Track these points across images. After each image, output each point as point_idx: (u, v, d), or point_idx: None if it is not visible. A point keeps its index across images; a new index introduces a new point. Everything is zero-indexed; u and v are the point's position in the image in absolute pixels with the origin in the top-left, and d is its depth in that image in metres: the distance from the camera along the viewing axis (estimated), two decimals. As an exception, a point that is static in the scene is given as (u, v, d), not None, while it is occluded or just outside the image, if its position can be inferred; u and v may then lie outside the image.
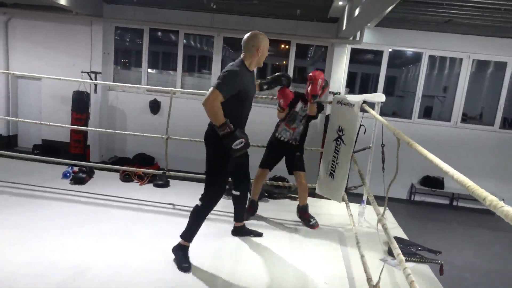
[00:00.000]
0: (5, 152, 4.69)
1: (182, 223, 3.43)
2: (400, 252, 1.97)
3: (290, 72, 8.46)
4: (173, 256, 2.78)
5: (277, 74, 3.43)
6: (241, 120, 2.74)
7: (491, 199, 1.12)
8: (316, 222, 3.57)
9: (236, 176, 3.07)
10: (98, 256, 2.76)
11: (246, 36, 2.72)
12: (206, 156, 2.77)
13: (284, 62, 8.88)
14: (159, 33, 9.08)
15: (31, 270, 2.50)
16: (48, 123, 4.84)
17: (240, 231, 3.27)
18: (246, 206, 3.39)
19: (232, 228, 3.30)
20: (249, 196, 3.55)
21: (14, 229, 3.05)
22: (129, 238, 3.07)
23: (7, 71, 7.90)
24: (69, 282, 2.40)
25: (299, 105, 3.56)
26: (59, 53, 8.58)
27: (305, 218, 3.59)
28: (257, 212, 3.69)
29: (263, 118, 5.32)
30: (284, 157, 3.66)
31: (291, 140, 3.56)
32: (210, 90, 2.49)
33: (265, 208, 3.94)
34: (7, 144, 8.63)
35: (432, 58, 8.23)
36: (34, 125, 8.47)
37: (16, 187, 3.95)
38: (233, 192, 3.17)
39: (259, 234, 3.30)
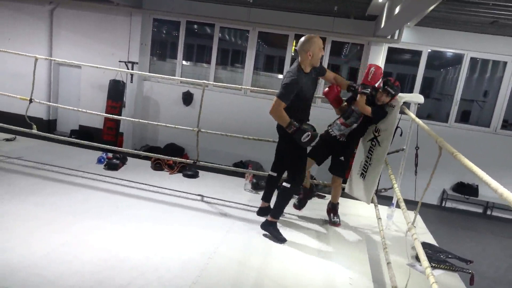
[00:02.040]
0: (48, 135, 4.92)
1: (209, 214, 3.52)
2: (428, 265, 1.92)
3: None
4: (196, 244, 2.83)
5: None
6: (303, 115, 3.08)
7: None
8: (339, 221, 3.58)
9: (279, 159, 3.33)
10: (128, 241, 2.86)
11: (300, 41, 2.99)
12: (279, 145, 3.28)
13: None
14: (195, 26, 9.19)
15: (67, 250, 2.63)
16: (83, 110, 5.03)
17: (265, 211, 3.39)
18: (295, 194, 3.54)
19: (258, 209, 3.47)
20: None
21: (52, 211, 3.20)
22: (158, 225, 3.15)
23: (50, 58, 8.24)
24: (101, 264, 2.50)
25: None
26: (99, 43, 8.87)
27: (329, 214, 3.63)
28: (286, 210, 3.68)
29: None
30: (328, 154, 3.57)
31: (338, 136, 3.44)
32: (275, 100, 2.91)
33: (292, 204, 3.93)
34: (47, 128, 9.02)
35: (473, 61, 7.89)
36: (72, 110, 8.81)
37: (54, 170, 4.13)
38: (270, 172, 3.38)
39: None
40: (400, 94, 3.39)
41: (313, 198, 4.09)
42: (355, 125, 3.43)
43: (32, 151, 4.62)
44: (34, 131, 4.62)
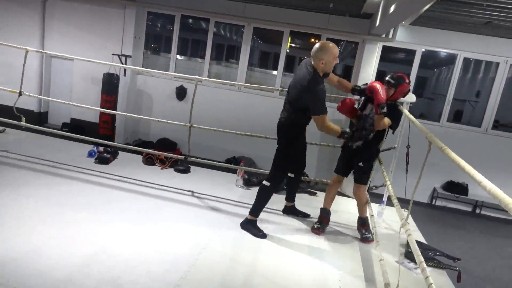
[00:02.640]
0: (38, 127, 4.86)
1: (200, 210, 3.51)
2: (423, 260, 1.93)
3: (318, 67, 8.35)
4: (187, 240, 2.83)
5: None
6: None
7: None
8: (371, 237, 3.29)
9: (297, 165, 3.42)
10: (118, 235, 2.85)
11: (315, 46, 2.98)
12: (278, 145, 3.24)
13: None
14: (190, 20, 9.13)
15: (56, 243, 2.61)
16: (76, 104, 4.96)
17: (289, 210, 3.60)
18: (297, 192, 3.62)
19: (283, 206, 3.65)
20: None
21: (41, 204, 3.17)
22: (149, 220, 3.14)
23: (41, 51, 8.14)
24: (90, 258, 2.49)
25: (369, 107, 3.28)
26: (92, 35, 8.76)
27: (360, 230, 3.40)
28: (277, 206, 3.68)
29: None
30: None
31: (355, 146, 3.31)
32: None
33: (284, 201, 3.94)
34: (38, 120, 8.92)
35: (466, 61, 7.94)
36: (64, 103, 8.73)
37: (44, 163, 4.09)
38: (289, 174, 3.43)
39: (307, 215, 3.58)
40: None
41: (303, 193, 4.09)
42: (371, 134, 3.26)
43: (21, 144, 4.57)
44: (23, 123, 4.56)
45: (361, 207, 3.39)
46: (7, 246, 2.48)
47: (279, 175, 3.21)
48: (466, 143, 7.59)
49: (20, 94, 4.51)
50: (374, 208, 3.75)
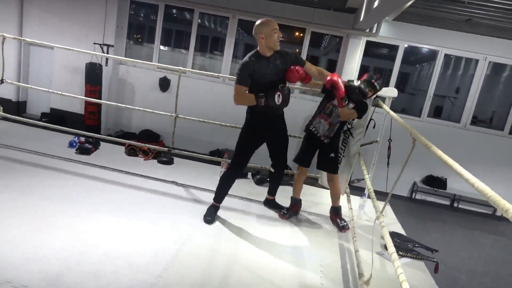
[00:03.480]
0: (17, 117, 4.73)
1: (183, 201, 3.50)
2: (394, 250, 1.98)
3: (303, 60, 8.37)
4: (169, 231, 2.84)
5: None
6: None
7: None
8: (347, 225, 3.36)
9: (273, 156, 3.34)
10: (99, 227, 2.81)
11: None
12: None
13: (297, 50, 8.78)
14: (174, 11, 9.00)
15: (34, 235, 2.56)
16: (61, 93, 4.84)
17: (269, 203, 3.56)
18: (279, 187, 3.53)
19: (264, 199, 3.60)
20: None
21: (19, 194, 3.10)
22: (131, 211, 3.11)
23: (19, 38, 7.89)
24: (70, 249, 2.45)
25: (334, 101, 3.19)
26: (73, 23, 8.54)
27: (335, 220, 3.43)
28: (259, 198, 3.71)
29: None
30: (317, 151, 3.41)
31: (322, 137, 3.26)
32: (235, 87, 2.91)
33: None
34: (16, 110, 8.68)
35: (447, 57, 8.10)
36: (43, 93, 8.52)
37: (23, 152, 3.99)
38: (270, 168, 3.41)
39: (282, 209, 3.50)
40: None
41: (286, 186, 4.09)
42: (338, 125, 3.25)
43: (-2, 133, 4.44)
44: (1, 113, 4.43)
45: (337, 196, 3.43)
46: (-17, 237, 2.42)
47: (235, 160, 3.19)
48: (446, 138, 7.76)
49: (1, 81, 4.37)
50: (355, 201, 3.81)
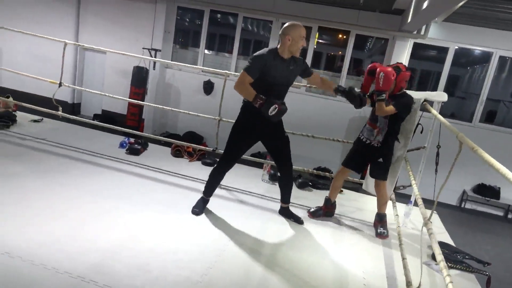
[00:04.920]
0: (74, 117, 5.06)
1: (226, 202, 3.57)
2: (443, 259, 1.90)
3: (347, 64, 8.26)
4: (213, 231, 2.92)
5: (355, 90, 3.12)
6: None
7: None
8: (385, 233, 3.30)
9: (276, 159, 3.25)
10: (147, 224, 2.94)
11: (283, 26, 2.92)
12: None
13: (340, 52, 8.68)
14: (218, 15, 9.20)
15: (88, 229, 2.73)
16: (109, 95, 5.13)
17: (283, 212, 3.43)
18: (291, 192, 3.40)
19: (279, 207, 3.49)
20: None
21: (75, 191, 3.31)
22: (177, 210, 3.22)
23: (78, 43, 8.42)
24: (121, 244, 2.59)
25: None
26: (124, 29, 8.99)
27: (376, 225, 3.40)
28: (300, 202, 3.71)
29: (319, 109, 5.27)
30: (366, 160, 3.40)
31: (372, 142, 3.26)
32: (240, 73, 2.82)
33: (309, 197, 3.95)
34: (71, 111, 9.25)
35: (502, 59, 7.65)
36: (96, 95, 9.02)
37: (78, 152, 4.26)
38: (278, 174, 3.33)
39: (299, 221, 3.35)
40: (419, 92, 3.34)
41: (327, 190, 4.04)
42: (386, 128, 3.21)
43: (57, 133, 4.77)
44: (60, 113, 4.76)
45: (382, 203, 3.37)
46: (44, 230, 2.61)
47: (226, 155, 3.13)
48: (499, 145, 7.33)
49: (60, 85, 4.70)
50: (401, 208, 3.71)
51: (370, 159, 3.34)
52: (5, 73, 9.64)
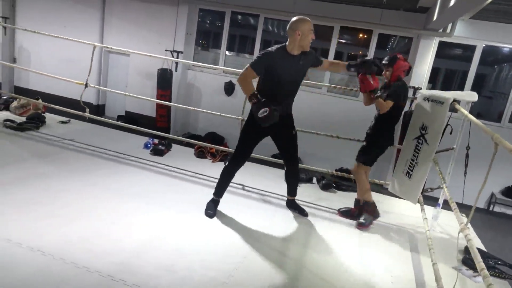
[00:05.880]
0: (101, 119, 5.17)
1: (250, 203, 3.57)
2: (484, 267, 1.83)
3: (369, 63, 8.13)
4: (238, 232, 2.92)
5: (368, 58, 3.17)
6: (277, 100, 2.89)
7: None
8: (366, 222, 3.32)
9: (283, 154, 3.33)
10: (172, 224, 2.97)
11: (290, 21, 2.88)
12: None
13: (360, 52, 8.55)
14: (239, 17, 9.23)
15: (116, 228, 2.78)
16: (134, 95, 5.22)
17: (290, 204, 3.51)
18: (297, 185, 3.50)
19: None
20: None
21: (104, 191, 3.38)
22: (201, 211, 3.23)
23: (106, 46, 8.61)
24: (147, 244, 2.62)
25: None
26: (147, 31, 9.13)
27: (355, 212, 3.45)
28: (324, 203, 3.67)
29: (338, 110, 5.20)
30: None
31: (368, 129, 3.43)
32: (245, 67, 2.84)
33: (333, 199, 3.92)
34: (96, 112, 9.46)
35: (533, 57, 7.37)
36: (120, 97, 9.21)
37: (105, 152, 4.35)
38: (284, 169, 3.38)
39: (303, 214, 3.41)
40: (449, 92, 3.27)
41: (351, 192, 3.99)
42: (376, 113, 3.34)
43: (84, 134, 4.88)
44: (87, 114, 4.87)
45: (363, 190, 3.38)
46: (74, 229, 2.66)
47: (237, 154, 3.14)
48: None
49: (86, 86, 4.81)
50: (429, 211, 3.62)
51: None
52: (34, 76, 9.95)
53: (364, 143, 3.41)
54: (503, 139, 1.95)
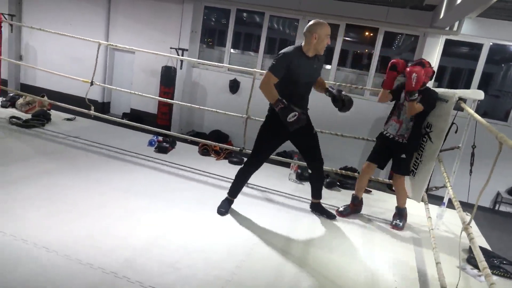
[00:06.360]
0: (105, 116, 5.19)
1: (254, 201, 3.57)
2: (486, 266, 1.82)
3: (375, 61, 8.10)
4: (242, 230, 2.92)
5: (342, 95, 3.06)
6: (294, 100, 2.87)
7: None
8: (401, 225, 3.39)
9: (306, 156, 3.28)
10: (177, 222, 2.98)
11: (308, 23, 2.91)
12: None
13: (366, 50, 8.51)
14: (244, 14, 9.21)
15: (122, 225, 2.79)
16: (139, 93, 5.24)
17: (315, 207, 3.44)
18: (322, 188, 3.46)
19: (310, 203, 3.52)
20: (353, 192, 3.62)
21: (109, 188, 3.39)
22: (205, 209, 3.24)
23: (111, 44, 8.63)
24: (152, 242, 2.63)
25: (403, 95, 3.25)
26: (152, 29, 9.15)
27: (395, 217, 3.46)
28: (329, 202, 3.66)
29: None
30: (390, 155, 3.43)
31: (396, 137, 3.30)
32: (265, 73, 2.80)
33: (337, 197, 3.91)
34: (101, 110, 9.50)
35: (541, 56, 7.29)
36: (125, 94, 9.24)
37: (109, 149, 4.37)
38: (308, 171, 3.35)
39: (331, 217, 3.38)
40: (454, 90, 3.24)
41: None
42: (410, 124, 3.24)
43: (89, 131, 4.91)
44: (92, 112, 4.89)
45: (403, 198, 3.42)
46: (78, 226, 2.68)
47: (254, 157, 3.13)
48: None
49: (91, 83, 4.83)
50: (433, 210, 3.60)
51: (394, 154, 3.37)
52: (40, 73, 10.01)
53: (403, 156, 3.31)
54: (507, 138, 1.93)
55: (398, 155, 3.32)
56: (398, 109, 3.33)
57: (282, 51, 2.86)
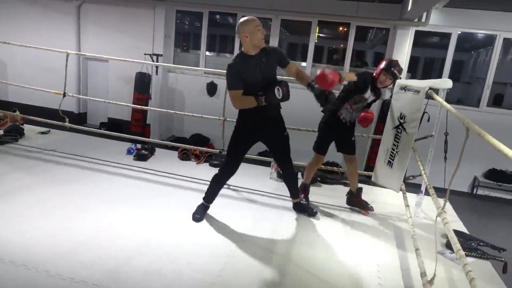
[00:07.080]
0: (80, 127, 5.10)
1: (236, 202, 3.58)
2: (460, 248, 1.88)
3: (349, 56, 8.21)
4: (224, 232, 2.92)
5: (328, 94, 3.01)
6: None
7: None
8: (371, 206, 3.56)
9: (276, 157, 3.35)
10: (160, 228, 2.96)
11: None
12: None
13: (341, 45, 8.63)
14: (217, 16, 9.20)
15: (103, 236, 2.75)
16: (113, 102, 5.18)
17: (296, 207, 3.47)
18: (298, 186, 3.48)
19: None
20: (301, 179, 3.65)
21: (87, 199, 3.35)
22: (188, 213, 3.22)
23: (80, 53, 8.49)
24: (134, 251, 2.61)
25: (368, 93, 3.39)
26: (125, 36, 9.03)
27: (358, 202, 3.59)
28: (311, 198, 3.70)
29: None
30: (335, 139, 3.56)
31: (348, 122, 3.47)
32: (230, 93, 2.86)
33: (318, 193, 3.95)
34: (78, 121, 9.33)
35: (506, 42, 7.55)
36: (101, 104, 9.07)
37: (87, 161, 4.30)
38: (280, 172, 3.40)
39: (313, 214, 3.40)
40: (424, 81, 3.33)
41: (337, 185, 4.07)
42: (359, 112, 3.47)
43: (65, 143, 4.82)
44: (67, 124, 4.80)
45: (356, 178, 3.59)
46: (59, 239, 2.64)
47: (228, 162, 3.13)
48: (509, 128, 7.23)
49: (64, 95, 4.75)
50: (412, 198, 3.68)
51: (343, 136, 3.53)
52: (11, 87, 9.75)
53: (353, 138, 3.60)
54: (473, 123, 2.00)
55: (350, 138, 3.53)
56: (357, 99, 3.40)
57: (229, 64, 2.86)
